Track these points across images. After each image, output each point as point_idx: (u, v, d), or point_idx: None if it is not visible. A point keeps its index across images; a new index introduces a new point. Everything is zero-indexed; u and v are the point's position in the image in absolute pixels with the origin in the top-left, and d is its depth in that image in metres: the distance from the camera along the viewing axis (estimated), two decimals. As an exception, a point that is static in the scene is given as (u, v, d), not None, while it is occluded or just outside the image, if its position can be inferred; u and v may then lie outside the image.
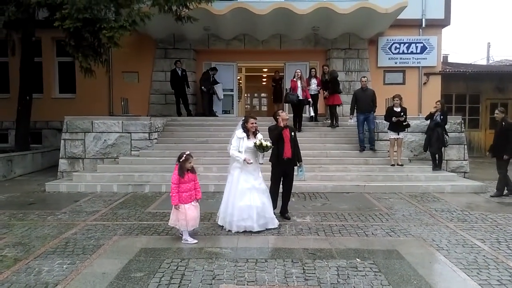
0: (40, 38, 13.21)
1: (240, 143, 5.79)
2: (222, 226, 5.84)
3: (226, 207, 5.76)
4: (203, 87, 12.75)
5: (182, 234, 5.35)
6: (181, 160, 5.25)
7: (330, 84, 11.35)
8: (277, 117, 6.21)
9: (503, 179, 8.28)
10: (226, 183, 6.03)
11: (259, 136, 5.89)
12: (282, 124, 6.17)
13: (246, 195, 5.67)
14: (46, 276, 4.23)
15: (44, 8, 10.05)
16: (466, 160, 10.46)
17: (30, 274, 4.28)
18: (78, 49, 10.02)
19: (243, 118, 6.05)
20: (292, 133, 6.26)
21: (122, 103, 12.36)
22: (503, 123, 8.22)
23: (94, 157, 10.15)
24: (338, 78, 11.59)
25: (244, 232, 5.61)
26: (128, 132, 10.27)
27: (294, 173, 6.35)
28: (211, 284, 4.04)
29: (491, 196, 8.26)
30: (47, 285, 4.03)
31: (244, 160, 5.68)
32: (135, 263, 4.56)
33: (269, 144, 5.80)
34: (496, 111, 8.49)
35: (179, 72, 12.72)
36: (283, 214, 6.41)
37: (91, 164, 10.08)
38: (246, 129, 5.87)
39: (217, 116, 13.09)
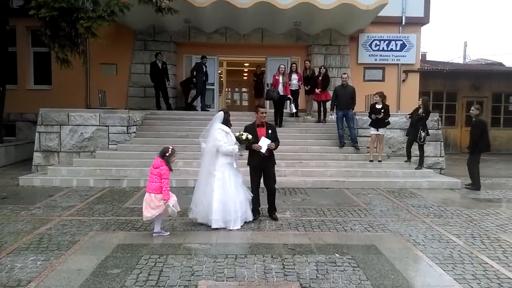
0: (14, 27, 12.72)
1: (229, 138, 5.79)
2: (214, 227, 5.56)
3: (224, 205, 5.56)
4: (194, 78, 12.51)
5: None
6: (167, 155, 5.25)
7: (322, 81, 11.38)
8: (256, 113, 6.16)
9: (470, 172, 8.83)
10: (215, 181, 5.66)
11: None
12: (257, 122, 6.16)
13: (242, 188, 5.82)
14: (19, 273, 4.11)
15: (19, -5, 9.75)
16: (442, 156, 10.67)
17: (2, 271, 4.15)
18: (54, 39, 9.77)
19: (224, 113, 5.98)
20: (269, 131, 6.11)
21: (100, 96, 12.09)
22: (473, 119, 8.76)
23: (70, 151, 9.91)
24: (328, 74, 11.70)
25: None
26: (106, 126, 10.06)
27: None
28: (190, 280, 4.00)
29: (466, 186, 8.82)
30: (19, 282, 3.91)
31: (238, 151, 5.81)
32: (112, 260, 4.48)
33: (249, 136, 5.85)
34: (472, 108, 8.86)
35: (160, 65, 12.51)
36: (271, 215, 6.24)
37: (67, 157, 9.85)
38: (228, 124, 5.92)
39: (197, 110, 12.96)
